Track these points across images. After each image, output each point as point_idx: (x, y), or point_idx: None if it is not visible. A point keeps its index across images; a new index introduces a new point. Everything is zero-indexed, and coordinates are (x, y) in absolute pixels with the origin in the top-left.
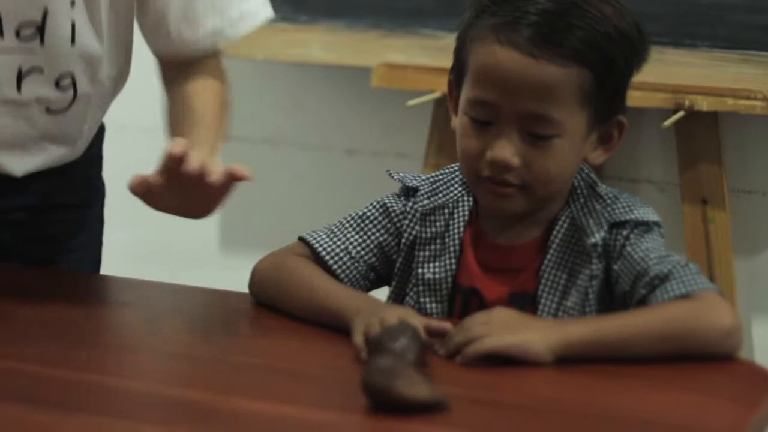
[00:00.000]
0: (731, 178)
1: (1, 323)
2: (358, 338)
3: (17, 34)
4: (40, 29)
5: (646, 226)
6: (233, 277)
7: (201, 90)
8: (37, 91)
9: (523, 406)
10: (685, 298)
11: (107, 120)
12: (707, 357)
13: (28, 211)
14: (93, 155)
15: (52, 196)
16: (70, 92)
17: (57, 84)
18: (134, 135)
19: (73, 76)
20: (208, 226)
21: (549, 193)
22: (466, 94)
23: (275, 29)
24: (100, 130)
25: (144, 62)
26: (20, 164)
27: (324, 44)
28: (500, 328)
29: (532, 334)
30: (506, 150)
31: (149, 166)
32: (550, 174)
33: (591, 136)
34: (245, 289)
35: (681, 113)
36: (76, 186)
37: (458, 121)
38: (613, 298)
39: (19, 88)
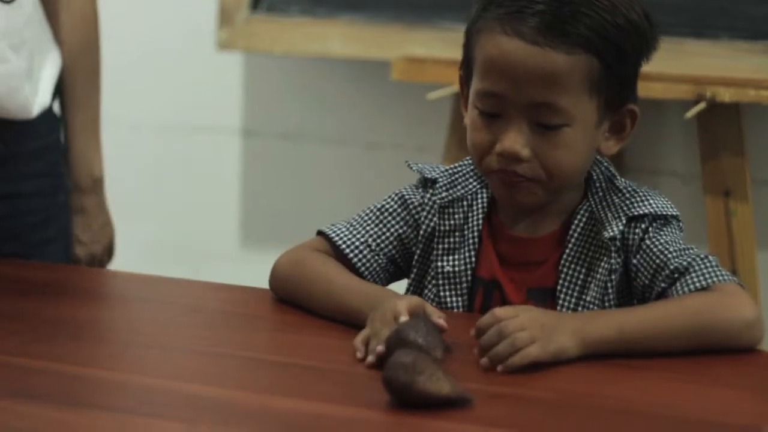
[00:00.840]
0: (753, 170)
1: (16, 321)
2: (358, 340)
3: None
4: None
5: (664, 220)
6: (255, 272)
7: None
8: None
9: (546, 401)
10: (705, 290)
11: (122, 119)
12: (729, 349)
13: None
14: (52, 141)
15: (17, 182)
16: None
17: None
18: (150, 134)
19: None
20: (229, 221)
21: (563, 184)
22: (474, 86)
23: (294, 23)
24: (53, 117)
25: (157, 61)
26: None
27: (343, 38)
28: (538, 333)
29: (565, 339)
30: (515, 141)
31: (164, 164)
32: (562, 165)
33: (603, 126)
34: (267, 285)
35: (702, 104)
36: (40, 173)
37: (468, 115)
38: (632, 291)
39: None
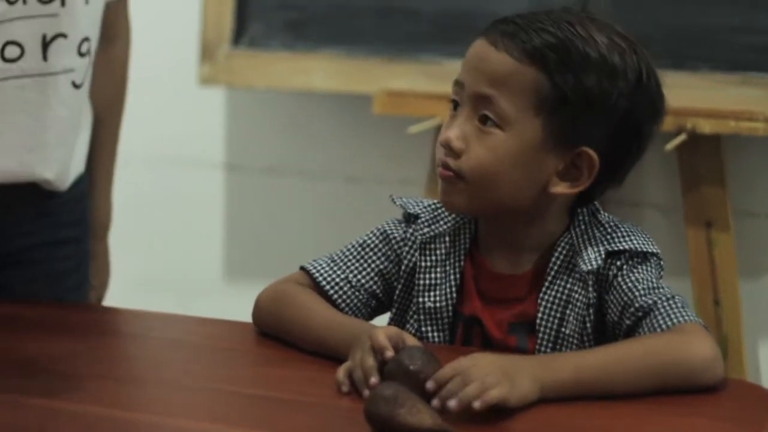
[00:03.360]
0: (735, 201)
1: (7, 358)
2: (340, 373)
3: None
4: None
5: (642, 257)
6: (239, 305)
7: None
8: (62, 60)
9: (526, 429)
10: (666, 331)
11: None
12: (687, 390)
13: (34, 250)
14: (83, 189)
15: (54, 230)
16: (87, 59)
17: (79, 51)
18: (133, 167)
19: (90, 42)
20: (213, 254)
21: (488, 193)
22: None
23: (276, 57)
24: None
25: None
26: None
27: (325, 72)
28: (502, 378)
29: (527, 383)
30: (453, 130)
31: (147, 197)
32: (482, 163)
33: (550, 158)
34: (250, 318)
35: (683, 136)
36: (75, 220)
37: None
38: (606, 327)
39: (45, 56)
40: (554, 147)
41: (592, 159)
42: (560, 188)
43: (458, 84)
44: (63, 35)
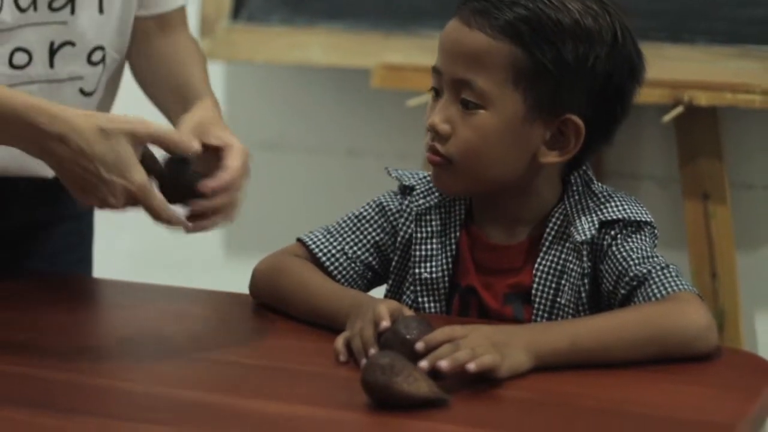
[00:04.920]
0: (731, 173)
1: (7, 329)
2: (339, 342)
3: (50, 6)
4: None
5: (636, 226)
6: (239, 279)
7: (183, 48)
8: (69, 66)
9: (523, 400)
10: (661, 299)
11: None
12: (682, 358)
13: (31, 227)
14: None
15: (53, 208)
16: (101, 67)
17: (90, 60)
18: None
19: (104, 51)
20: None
21: (478, 173)
22: None
23: (274, 32)
24: None
25: None
26: None
27: (323, 46)
28: (492, 350)
29: (518, 353)
30: (437, 115)
31: None
32: (473, 148)
33: (535, 129)
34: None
35: (680, 108)
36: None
37: None
38: (601, 297)
39: (51, 63)
40: (538, 118)
41: (577, 125)
42: (550, 158)
43: (436, 71)
44: (71, 43)
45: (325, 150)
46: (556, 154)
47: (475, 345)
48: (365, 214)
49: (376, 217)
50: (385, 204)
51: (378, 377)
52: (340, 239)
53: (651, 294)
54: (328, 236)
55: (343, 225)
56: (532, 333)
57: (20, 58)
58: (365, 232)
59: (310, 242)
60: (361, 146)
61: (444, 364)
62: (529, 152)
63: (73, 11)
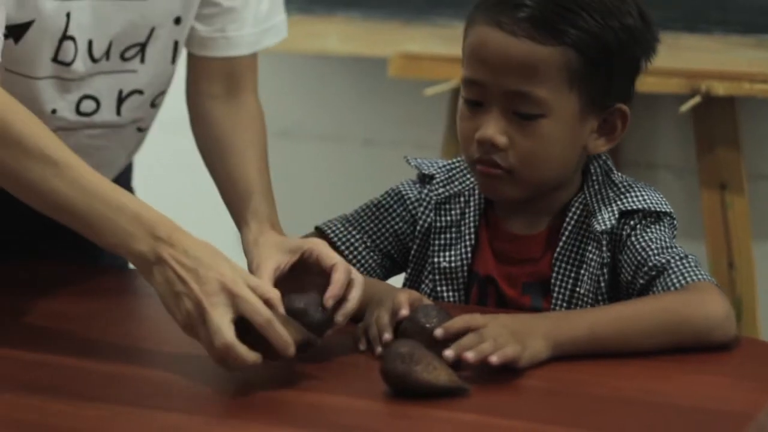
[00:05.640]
0: (749, 163)
1: (24, 317)
2: (359, 330)
3: (122, 56)
4: (143, 47)
5: (656, 216)
6: None
7: (246, 128)
8: (135, 113)
9: (542, 389)
10: (680, 289)
11: None
12: (700, 347)
13: None
14: (130, 162)
15: None
16: (158, 108)
17: (152, 103)
18: (154, 131)
19: (165, 93)
20: (227, 217)
21: (540, 178)
22: (461, 76)
23: (291, 21)
24: None
25: None
26: None
27: (340, 35)
28: (511, 340)
29: (537, 343)
30: (491, 128)
31: (162, 161)
32: (537, 156)
33: (588, 123)
34: None
35: (697, 98)
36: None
37: (458, 106)
38: (620, 287)
39: (119, 111)
40: (591, 112)
41: (624, 112)
42: (599, 146)
43: (476, 83)
44: (139, 91)
45: (341, 139)
46: (603, 141)
47: (495, 335)
48: (384, 202)
49: (395, 206)
50: (404, 192)
51: (398, 366)
52: (359, 228)
53: (670, 283)
54: (346, 225)
55: (362, 213)
56: (551, 321)
57: (88, 106)
58: (384, 221)
59: (329, 231)
60: (378, 135)
61: (470, 355)
62: (581, 146)
63: (143, 60)
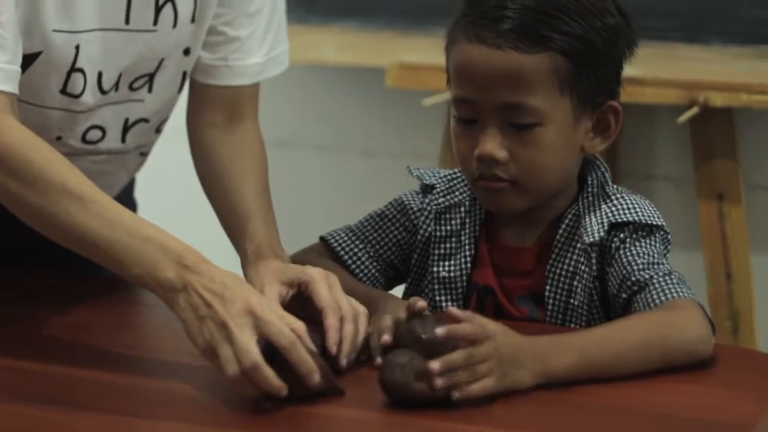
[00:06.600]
0: (746, 174)
1: (22, 326)
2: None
3: (130, 86)
4: (151, 77)
5: (648, 230)
6: None
7: (245, 156)
8: (139, 140)
9: (541, 400)
10: (661, 307)
11: None
12: (685, 365)
13: None
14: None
15: None
16: (161, 133)
17: (157, 129)
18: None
19: (167, 120)
20: None
21: (544, 186)
22: (451, 95)
23: (289, 31)
24: None
25: None
26: None
27: (338, 45)
28: (496, 366)
29: (521, 373)
30: (490, 144)
31: (162, 171)
32: (538, 164)
33: (582, 124)
34: None
35: (695, 109)
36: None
37: (451, 125)
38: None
39: (123, 139)
40: (583, 114)
41: (616, 108)
42: (597, 145)
43: (468, 102)
44: (145, 120)
45: (339, 149)
46: (600, 140)
47: (482, 359)
48: (387, 213)
49: (398, 216)
50: (406, 202)
51: (396, 376)
52: (363, 238)
53: (650, 300)
54: (350, 235)
55: (366, 224)
56: (540, 354)
57: (94, 135)
58: (387, 231)
59: (333, 241)
60: (376, 145)
61: (439, 382)
62: (578, 148)
63: (150, 90)
